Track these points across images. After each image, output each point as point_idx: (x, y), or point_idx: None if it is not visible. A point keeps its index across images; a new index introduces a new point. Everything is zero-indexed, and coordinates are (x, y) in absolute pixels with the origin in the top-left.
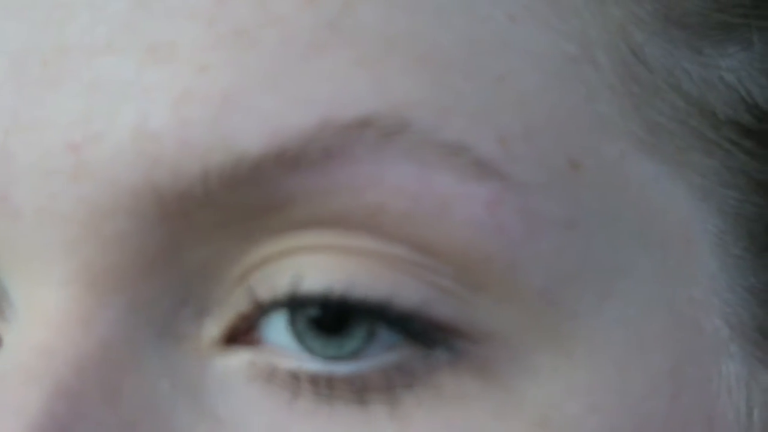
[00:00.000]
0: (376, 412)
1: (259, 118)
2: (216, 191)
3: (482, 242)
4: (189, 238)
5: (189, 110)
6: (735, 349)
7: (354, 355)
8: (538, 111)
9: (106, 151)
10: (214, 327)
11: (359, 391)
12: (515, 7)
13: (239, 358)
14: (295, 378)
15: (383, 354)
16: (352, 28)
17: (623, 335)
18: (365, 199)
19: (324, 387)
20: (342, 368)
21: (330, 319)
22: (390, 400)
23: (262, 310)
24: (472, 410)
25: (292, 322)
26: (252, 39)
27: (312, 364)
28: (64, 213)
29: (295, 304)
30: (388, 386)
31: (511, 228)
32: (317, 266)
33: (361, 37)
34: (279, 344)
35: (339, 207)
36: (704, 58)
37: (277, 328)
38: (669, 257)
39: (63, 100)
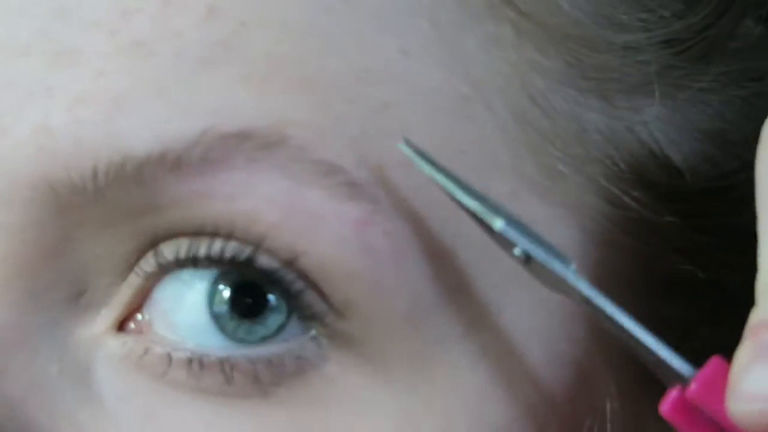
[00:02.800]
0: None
1: (146, 122)
2: (105, 187)
3: (348, 260)
4: (82, 232)
5: (83, 111)
6: (615, 389)
7: (262, 341)
8: (423, 142)
9: (7, 144)
10: (106, 316)
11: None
12: (409, 42)
13: (121, 346)
14: (167, 358)
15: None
16: (242, 47)
17: (491, 365)
18: (238, 207)
19: (196, 366)
20: (213, 353)
21: (245, 305)
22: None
23: (163, 270)
24: (328, 413)
25: (210, 301)
26: (148, 50)
27: (182, 352)
28: None
29: (194, 264)
30: (255, 378)
31: (379, 249)
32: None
33: (249, 56)
34: (189, 322)
35: (215, 212)
36: (614, 109)
37: (191, 306)
38: (551, 296)
39: None
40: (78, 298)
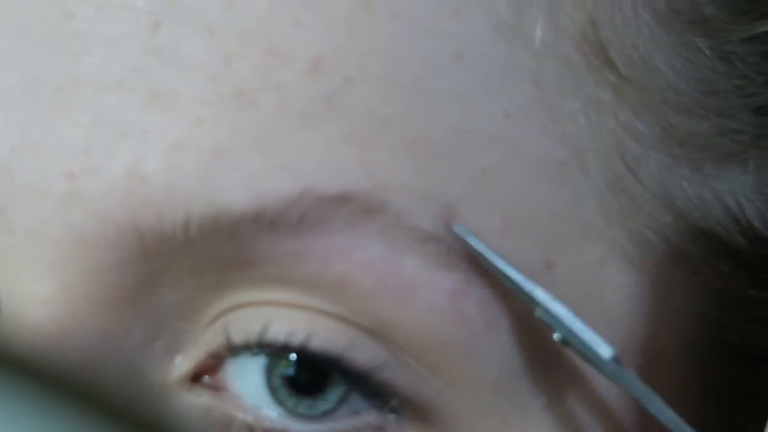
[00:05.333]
0: None
1: (244, 178)
2: (195, 239)
3: (441, 329)
4: (167, 278)
5: (179, 159)
6: None
7: (325, 415)
8: (519, 208)
9: (98, 185)
10: (182, 365)
11: None
12: (512, 105)
13: (199, 401)
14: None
15: (346, 419)
16: (347, 104)
17: None
18: (333, 270)
19: None
20: (299, 427)
21: (306, 379)
22: None
23: (231, 351)
24: None
25: (269, 375)
26: (250, 101)
27: (269, 421)
28: (53, 237)
29: (263, 350)
30: None
31: (472, 318)
32: (284, 316)
33: (354, 114)
34: (247, 393)
35: (308, 272)
36: (703, 176)
37: (250, 377)
38: (635, 365)
39: (68, 129)
40: (154, 341)
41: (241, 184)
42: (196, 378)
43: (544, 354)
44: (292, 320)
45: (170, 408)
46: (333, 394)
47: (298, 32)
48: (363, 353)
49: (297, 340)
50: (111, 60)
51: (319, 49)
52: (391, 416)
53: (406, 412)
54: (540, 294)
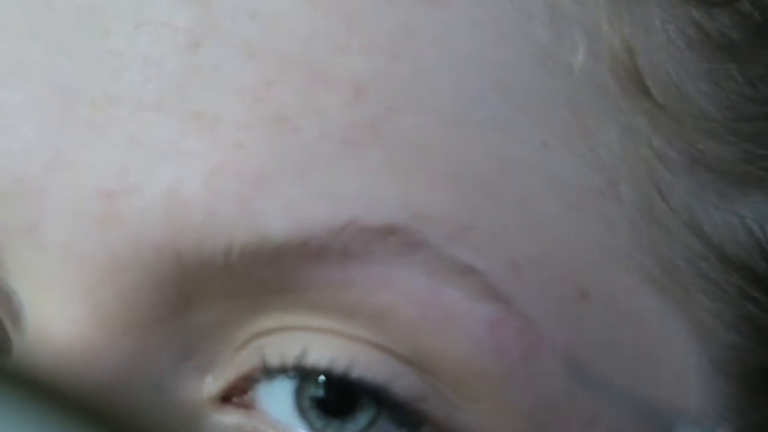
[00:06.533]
0: None
1: (288, 206)
2: (236, 265)
3: (480, 359)
4: (202, 300)
5: (220, 184)
6: None
7: None
8: (555, 238)
9: (136, 206)
10: (212, 385)
11: None
12: (550, 134)
13: (230, 420)
14: None
15: None
16: (389, 132)
17: None
18: (375, 299)
19: None
20: None
21: (335, 401)
22: None
23: (266, 374)
24: None
25: (298, 396)
26: (292, 126)
27: None
28: (86, 256)
29: (300, 374)
30: None
31: (511, 349)
32: (323, 343)
33: (396, 142)
34: (276, 414)
35: (349, 301)
36: (728, 203)
37: (279, 398)
38: (659, 392)
39: (104, 147)
40: (184, 361)
41: (282, 212)
42: (225, 398)
43: (580, 384)
44: (333, 347)
45: (200, 427)
46: (362, 417)
47: (341, 58)
48: (403, 384)
49: (339, 367)
50: (149, 78)
51: (361, 76)
52: None
53: None
54: None
